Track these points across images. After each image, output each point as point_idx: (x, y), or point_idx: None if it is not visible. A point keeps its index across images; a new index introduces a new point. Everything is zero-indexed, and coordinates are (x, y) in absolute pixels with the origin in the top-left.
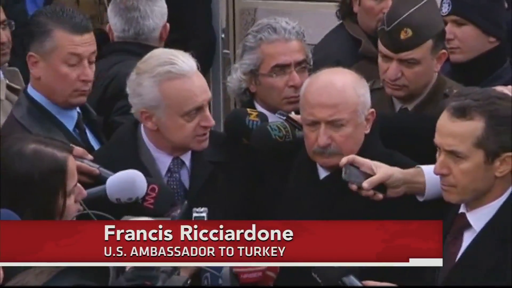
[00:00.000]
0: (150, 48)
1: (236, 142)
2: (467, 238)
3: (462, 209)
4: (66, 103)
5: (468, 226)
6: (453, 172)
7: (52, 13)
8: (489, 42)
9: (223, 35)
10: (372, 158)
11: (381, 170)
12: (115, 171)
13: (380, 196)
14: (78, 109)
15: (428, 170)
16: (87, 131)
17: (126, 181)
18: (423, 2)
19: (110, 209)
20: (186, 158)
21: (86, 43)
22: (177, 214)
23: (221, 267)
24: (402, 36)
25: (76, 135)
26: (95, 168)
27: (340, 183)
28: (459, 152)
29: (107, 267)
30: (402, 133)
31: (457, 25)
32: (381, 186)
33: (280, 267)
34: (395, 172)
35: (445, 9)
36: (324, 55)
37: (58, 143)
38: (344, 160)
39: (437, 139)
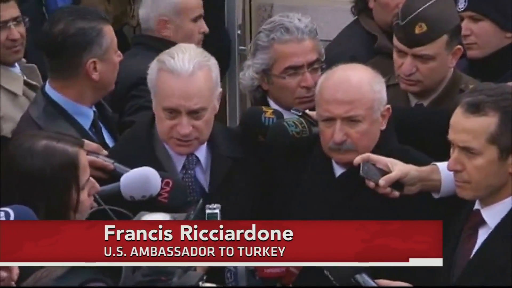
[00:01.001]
0: (150, 37)
1: (252, 139)
2: (482, 235)
3: (477, 206)
4: (111, 91)
5: (483, 222)
6: (467, 168)
7: (80, 16)
8: (506, 37)
9: (239, 32)
10: (387, 154)
11: (397, 167)
12: (130, 167)
13: (396, 193)
14: (94, 107)
15: (443, 167)
16: (103, 129)
17: (140, 179)
18: None
19: (124, 205)
20: (201, 155)
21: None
22: (191, 213)
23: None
24: (417, 30)
25: (92, 134)
26: (110, 163)
27: (356, 180)
28: (472, 148)
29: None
30: (416, 128)
31: (474, 21)
32: (397, 184)
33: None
34: (411, 170)
35: (461, 5)
36: (339, 51)
37: (69, 138)
38: (358, 158)
39: (451, 135)
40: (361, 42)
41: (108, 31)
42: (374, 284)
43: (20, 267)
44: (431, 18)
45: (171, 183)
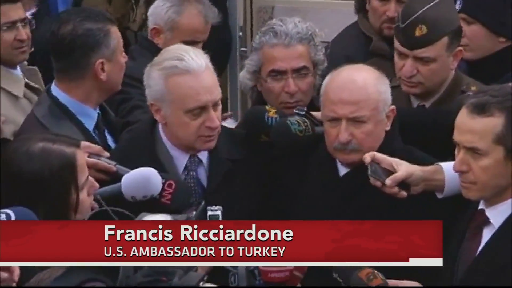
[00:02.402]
0: (152, 43)
1: (255, 139)
2: (487, 235)
3: (481, 206)
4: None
5: (487, 222)
6: (472, 169)
7: (87, 17)
8: (499, 42)
9: (240, 33)
10: (391, 154)
11: (402, 167)
12: (132, 168)
13: (404, 193)
14: (98, 109)
15: (447, 167)
16: (106, 132)
17: (141, 179)
18: None
19: (126, 206)
20: (203, 156)
21: None
22: (193, 215)
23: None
24: (417, 33)
25: (95, 135)
26: (112, 165)
27: (360, 180)
28: (479, 148)
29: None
30: (420, 128)
31: (467, 24)
32: (404, 184)
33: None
34: (416, 170)
35: (457, 6)
36: (335, 50)
37: (65, 139)
38: (367, 157)
39: (456, 136)
40: (357, 43)
41: (115, 32)
42: (385, 280)
43: (21, 268)
44: (431, 20)
45: (174, 184)
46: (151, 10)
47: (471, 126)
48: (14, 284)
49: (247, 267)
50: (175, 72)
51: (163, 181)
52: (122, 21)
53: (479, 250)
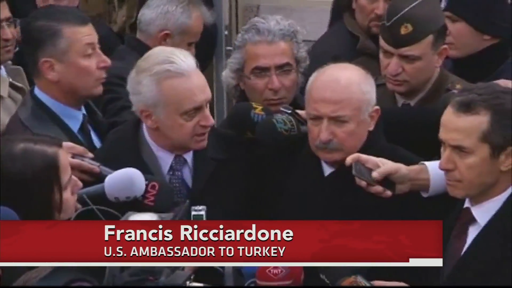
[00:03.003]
0: (143, 44)
1: (240, 136)
2: (472, 233)
3: (467, 204)
4: (89, 96)
5: (473, 220)
6: (458, 167)
7: (49, 14)
8: (484, 40)
9: (226, 32)
10: (376, 153)
11: (388, 164)
12: (116, 169)
13: (389, 193)
14: (83, 110)
15: (432, 166)
16: (92, 133)
17: (124, 180)
18: None
19: (109, 207)
20: (188, 156)
21: (92, 32)
22: (177, 214)
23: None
24: (403, 31)
25: (80, 136)
26: (95, 166)
27: (345, 179)
28: (464, 147)
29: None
30: (404, 127)
31: (452, 21)
32: (389, 183)
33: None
34: (401, 167)
35: (442, 4)
36: (322, 50)
37: (47, 139)
38: (349, 159)
39: (442, 135)
40: (344, 42)
41: (71, 32)
42: (369, 285)
43: (9, 268)
44: (416, 19)
45: (157, 186)
46: (156, 15)
47: (457, 124)
48: None
49: (233, 267)
50: (168, 75)
51: (147, 182)
52: (100, 20)
53: (465, 249)
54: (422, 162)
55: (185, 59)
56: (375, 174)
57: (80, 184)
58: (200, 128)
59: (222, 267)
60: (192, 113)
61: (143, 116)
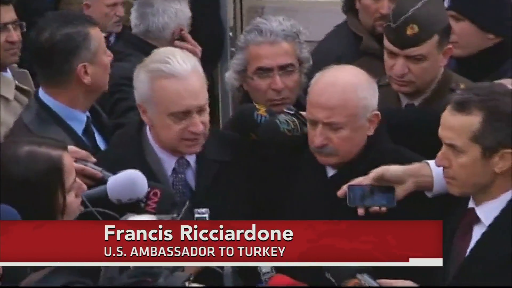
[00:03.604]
0: (155, 48)
1: (244, 137)
2: (477, 233)
3: (471, 204)
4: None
5: (477, 220)
6: (452, 164)
7: (69, 20)
8: (488, 39)
9: (231, 34)
10: (379, 156)
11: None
12: (120, 171)
13: (384, 209)
14: (87, 113)
15: (434, 164)
16: (97, 134)
17: (127, 181)
18: None
19: (111, 209)
20: (191, 158)
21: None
22: (178, 215)
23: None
24: (409, 32)
25: (85, 138)
26: (98, 171)
27: (348, 180)
28: (456, 145)
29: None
30: (409, 128)
31: (456, 20)
32: (387, 187)
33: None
34: (393, 166)
35: (446, 3)
36: (325, 51)
37: (52, 142)
38: (340, 192)
39: (439, 131)
40: (347, 43)
41: (95, 33)
42: (375, 284)
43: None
44: (422, 19)
45: (159, 193)
46: (169, 19)
47: (451, 123)
48: None
49: (232, 267)
50: (160, 75)
51: (149, 189)
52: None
53: (470, 249)
54: (425, 161)
55: (182, 62)
56: (366, 181)
57: (85, 187)
58: (188, 133)
59: (221, 268)
60: (180, 116)
61: (141, 111)
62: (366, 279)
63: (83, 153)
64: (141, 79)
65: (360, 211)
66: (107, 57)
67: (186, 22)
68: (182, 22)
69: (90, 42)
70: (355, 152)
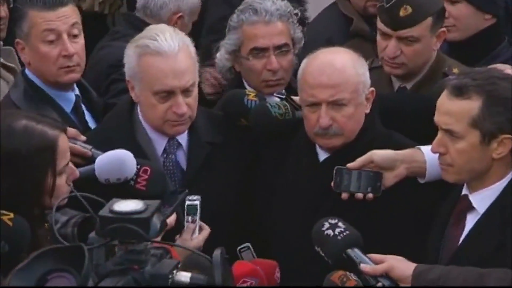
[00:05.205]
0: (141, 22)
1: (234, 123)
2: (470, 221)
3: (465, 191)
4: (57, 83)
5: (471, 208)
6: (449, 151)
7: None
8: (485, 19)
9: None
10: (372, 139)
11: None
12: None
13: (370, 196)
14: (77, 91)
15: (427, 150)
16: (87, 113)
17: (115, 161)
18: None
19: (100, 188)
20: (183, 139)
21: (62, 17)
22: (168, 211)
23: None
24: (402, 13)
25: (73, 117)
26: (87, 149)
27: (340, 164)
28: (454, 131)
29: (81, 249)
30: (401, 113)
31: (451, 3)
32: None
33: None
34: (382, 150)
35: None
36: (315, 33)
37: (50, 121)
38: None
39: (436, 117)
40: (338, 25)
41: (33, 16)
42: (366, 259)
43: None
44: (416, 1)
45: (149, 170)
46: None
47: (449, 108)
48: None
49: (221, 254)
50: (146, 51)
51: (138, 166)
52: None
53: (463, 236)
54: (418, 147)
55: (170, 40)
56: (354, 165)
57: (77, 173)
58: (172, 115)
59: (211, 256)
60: (164, 96)
61: (129, 87)
62: (357, 254)
63: (72, 131)
64: (129, 54)
65: (344, 195)
66: (56, 48)
67: (188, 10)
68: (183, 8)
69: (23, 22)
70: (357, 131)
